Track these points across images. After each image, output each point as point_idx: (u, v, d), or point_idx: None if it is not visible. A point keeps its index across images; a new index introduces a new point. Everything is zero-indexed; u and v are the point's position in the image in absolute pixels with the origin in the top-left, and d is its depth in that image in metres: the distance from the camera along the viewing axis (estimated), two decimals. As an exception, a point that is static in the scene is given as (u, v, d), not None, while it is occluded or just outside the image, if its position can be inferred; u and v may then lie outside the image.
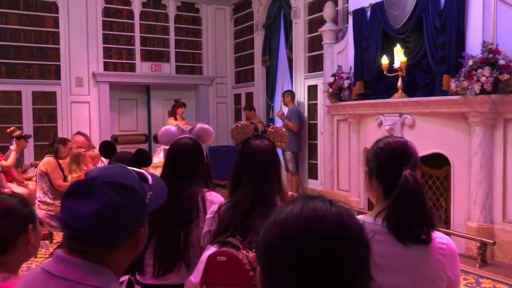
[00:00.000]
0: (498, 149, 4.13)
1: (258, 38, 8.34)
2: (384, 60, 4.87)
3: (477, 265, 3.99)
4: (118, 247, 0.98)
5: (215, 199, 2.01)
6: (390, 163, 1.42)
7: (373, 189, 1.50)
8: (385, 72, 4.90)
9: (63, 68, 7.72)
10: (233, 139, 1.88)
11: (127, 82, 8.44)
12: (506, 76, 3.87)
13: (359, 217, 1.49)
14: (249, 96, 8.73)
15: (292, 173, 7.09)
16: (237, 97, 9.17)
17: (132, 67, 8.39)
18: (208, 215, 1.86)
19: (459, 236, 4.31)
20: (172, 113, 7.41)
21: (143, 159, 2.11)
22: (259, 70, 8.39)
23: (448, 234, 4.39)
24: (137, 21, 8.36)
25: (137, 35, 8.36)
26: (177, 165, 2.05)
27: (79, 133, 5.27)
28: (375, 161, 1.47)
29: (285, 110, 7.03)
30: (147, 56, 8.50)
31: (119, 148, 8.81)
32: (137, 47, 8.38)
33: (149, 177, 1.05)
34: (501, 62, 3.91)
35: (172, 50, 8.72)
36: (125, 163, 2.22)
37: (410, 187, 1.32)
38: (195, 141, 2.09)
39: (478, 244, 4.02)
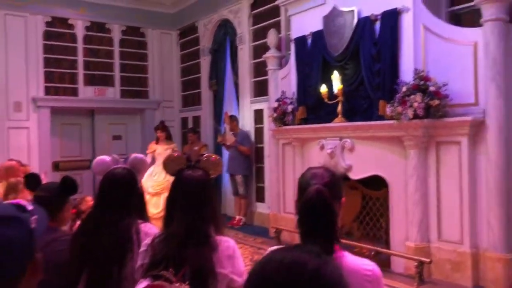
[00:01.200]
0: (432, 171, 4.35)
1: (205, 62, 8.40)
2: (323, 88, 5.06)
3: (415, 284, 4.13)
4: (18, 277, 0.97)
5: (149, 230, 1.98)
6: (306, 180, 1.54)
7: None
8: (325, 100, 5.06)
9: (0, 92, 7.41)
10: (166, 171, 1.87)
11: (70, 107, 8.21)
12: (436, 102, 4.10)
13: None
14: (197, 119, 8.73)
15: (241, 197, 7.11)
16: (184, 121, 9.14)
17: (74, 92, 8.19)
18: (142, 248, 1.83)
19: (398, 256, 4.47)
20: (156, 137, 7.11)
21: (69, 187, 2.06)
22: (206, 94, 8.43)
23: (388, 254, 4.56)
24: (80, 44, 8.22)
25: (80, 59, 8.20)
26: (110, 196, 2.01)
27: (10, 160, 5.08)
28: (299, 188, 1.56)
29: (229, 133, 7.10)
30: (90, 80, 8.34)
31: (61, 174, 8.40)
32: (80, 71, 8.22)
33: (26, 204, 1.05)
34: (432, 88, 4.14)
35: (117, 74, 8.61)
36: (51, 193, 2.17)
37: (309, 198, 1.40)
38: (129, 171, 2.07)
39: (416, 263, 4.17)
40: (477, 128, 4.07)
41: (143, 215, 2.08)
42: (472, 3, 4.27)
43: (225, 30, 7.85)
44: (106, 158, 2.13)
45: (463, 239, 4.14)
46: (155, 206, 6.21)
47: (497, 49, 3.92)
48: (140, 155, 2.15)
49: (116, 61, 8.60)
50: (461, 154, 4.14)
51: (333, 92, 5.00)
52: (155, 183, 6.41)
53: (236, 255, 1.81)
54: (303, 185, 1.54)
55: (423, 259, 4.18)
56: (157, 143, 6.91)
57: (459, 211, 4.16)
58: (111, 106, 8.60)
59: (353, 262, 1.48)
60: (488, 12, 3.97)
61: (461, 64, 4.17)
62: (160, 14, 9.02)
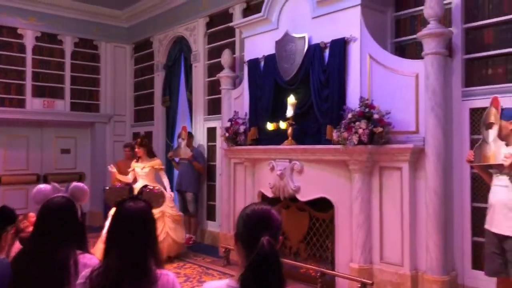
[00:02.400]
0: (375, 194, 4.51)
1: (159, 78, 8.36)
2: (270, 126, 5.25)
3: (358, 305, 4.26)
4: None
5: (88, 261, 1.96)
6: (252, 229, 1.54)
7: (239, 252, 1.59)
8: (277, 127, 5.18)
9: None
10: (107, 201, 1.87)
11: (16, 119, 7.92)
12: (380, 129, 4.28)
13: (225, 280, 1.57)
14: (149, 135, 8.62)
15: (191, 215, 7.07)
16: (136, 136, 8.97)
17: (21, 103, 7.92)
18: (79, 280, 1.80)
19: (342, 277, 4.58)
20: (135, 154, 6.44)
21: (7, 216, 2.01)
22: (159, 109, 8.37)
23: (333, 275, 4.67)
24: (29, 55, 7.98)
25: (28, 70, 7.96)
26: (48, 226, 1.98)
27: None
28: (241, 227, 1.58)
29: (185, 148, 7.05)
30: (39, 92, 8.09)
31: (4, 189, 8.01)
32: (28, 82, 7.97)
33: None
34: (376, 116, 4.32)
35: (68, 86, 8.41)
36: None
37: (264, 253, 1.43)
38: (68, 200, 2.04)
39: (359, 285, 4.30)
40: (417, 155, 4.27)
41: (82, 246, 2.05)
42: (415, 36, 4.51)
43: (180, 47, 7.86)
44: (46, 187, 2.09)
45: (404, 261, 4.31)
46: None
47: (436, 81, 4.15)
48: (81, 184, 2.12)
49: (67, 73, 8.40)
50: (402, 179, 4.33)
51: (285, 114, 5.10)
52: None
53: None
54: (249, 229, 1.55)
55: (365, 280, 4.31)
56: (137, 160, 6.29)
57: (400, 234, 4.33)
58: (60, 119, 8.37)
59: None
60: (429, 46, 4.20)
61: (404, 93, 4.38)
62: (115, 27, 8.93)
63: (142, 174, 6.16)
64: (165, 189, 6.10)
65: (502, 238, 3.33)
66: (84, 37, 8.59)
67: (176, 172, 7.54)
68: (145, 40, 8.70)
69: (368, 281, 4.31)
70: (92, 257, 2.04)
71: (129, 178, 6.25)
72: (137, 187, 5.72)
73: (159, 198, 1.95)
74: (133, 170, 6.28)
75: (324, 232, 4.99)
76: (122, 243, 1.75)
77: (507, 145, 3.37)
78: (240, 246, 1.57)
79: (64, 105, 8.38)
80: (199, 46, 7.39)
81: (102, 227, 7.92)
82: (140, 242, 1.77)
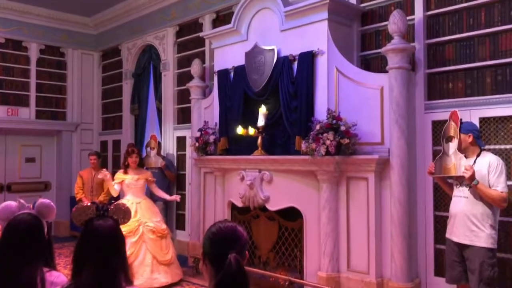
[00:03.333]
0: (342, 203, 4.62)
1: (127, 86, 8.29)
2: (240, 130, 5.25)
3: (326, 313, 4.33)
4: None
5: (55, 279, 1.95)
6: (219, 247, 1.58)
7: (207, 271, 1.62)
8: (247, 133, 5.21)
9: None
10: (74, 221, 1.86)
11: (-22, 127, 7.71)
12: (347, 141, 4.39)
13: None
14: (117, 143, 8.54)
15: (160, 224, 7.01)
16: (104, 144, 8.89)
17: (-16, 111, 7.70)
18: None
19: (310, 286, 4.65)
20: (124, 163, 5.81)
21: None
22: (127, 118, 8.29)
23: (301, 284, 4.74)
24: (-7, 62, 7.78)
25: (-8, 77, 7.76)
26: (13, 244, 1.95)
27: None
28: (208, 245, 1.62)
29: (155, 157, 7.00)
30: (3, 100, 7.91)
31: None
32: (-8, 90, 7.76)
33: None
34: (342, 128, 4.43)
35: (33, 94, 8.24)
36: None
37: (232, 270, 1.47)
38: (34, 217, 2.03)
39: (328, 293, 4.38)
40: (383, 166, 4.40)
41: (49, 263, 2.03)
42: (379, 50, 4.65)
43: (149, 55, 7.83)
44: (12, 203, 2.07)
45: (369, 269, 4.42)
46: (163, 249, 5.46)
47: (400, 94, 4.30)
48: (47, 201, 2.11)
49: (33, 81, 8.23)
50: (368, 189, 4.45)
51: (254, 125, 5.16)
52: (152, 226, 5.45)
53: None
54: (215, 247, 1.59)
55: (333, 289, 4.40)
56: (125, 172, 5.70)
57: (366, 242, 4.44)
58: (25, 127, 8.18)
59: None
60: (393, 60, 4.35)
61: (369, 106, 4.52)
62: (83, 34, 8.81)
63: (136, 186, 5.66)
64: (165, 199, 6.06)
65: (462, 247, 3.47)
66: (50, 44, 8.44)
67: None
68: (113, 48, 8.62)
69: (336, 290, 4.40)
70: (60, 275, 2.02)
71: (116, 190, 5.67)
72: (129, 200, 5.43)
73: (125, 214, 1.95)
74: (120, 182, 5.64)
75: (293, 241, 5.06)
76: (94, 262, 1.75)
77: (466, 157, 3.52)
78: (208, 265, 1.60)
79: (29, 113, 8.20)
80: (168, 55, 7.38)
81: (69, 238, 7.80)
82: (111, 259, 1.77)
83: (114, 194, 5.73)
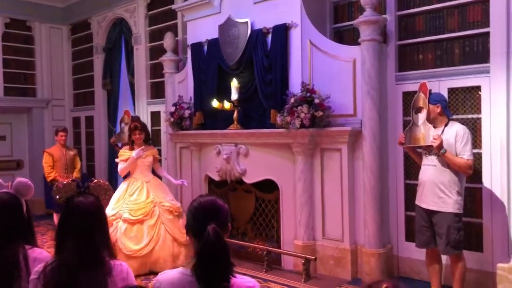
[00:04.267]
0: (317, 174, 4.74)
1: (98, 61, 8.12)
2: (215, 103, 5.26)
3: (302, 280, 4.50)
4: None
5: (39, 256, 1.98)
6: (200, 220, 1.64)
7: (192, 243, 1.69)
8: (222, 107, 5.23)
9: None
10: (55, 200, 1.88)
11: None
12: (321, 113, 4.47)
13: (178, 269, 1.66)
14: (89, 119, 8.42)
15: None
16: (77, 121, 8.76)
17: (-51, 88, 7.44)
18: (32, 276, 1.83)
19: (287, 254, 4.81)
20: (129, 139, 5.23)
21: None
22: (99, 93, 8.16)
23: (279, 253, 4.88)
24: (-45, 37, 7.48)
25: (-45, 53, 7.47)
26: None
27: None
28: (190, 219, 1.68)
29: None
30: (-32, 77, 7.64)
31: None
32: (-44, 66, 7.48)
33: None
34: (316, 101, 4.50)
35: (0, 70, 7.97)
36: None
37: (211, 240, 1.53)
38: (12, 196, 2.04)
39: (303, 261, 4.54)
40: (355, 137, 4.52)
41: (31, 240, 2.06)
42: (352, 22, 4.70)
43: (120, 29, 7.66)
44: (-11, 183, 2.07)
45: (344, 237, 4.59)
46: (136, 239, 4.65)
47: (372, 66, 4.38)
48: (25, 179, 2.13)
49: (-1, 56, 7.97)
50: (341, 160, 4.57)
51: (230, 98, 5.18)
52: (135, 206, 4.77)
53: (130, 277, 1.89)
54: (196, 219, 1.65)
55: (309, 256, 4.55)
56: (132, 148, 5.12)
57: (340, 211, 4.60)
58: (-8, 104, 7.96)
59: (236, 280, 1.64)
60: (365, 32, 4.41)
61: (342, 78, 4.59)
62: (49, 7, 8.51)
63: (143, 164, 5.09)
64: (170, 181, 5.45)
65: (430, 213, 3.64)
66: (16, 17, 8.14)
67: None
68: (83, 21, 8.39)
69: (311, 257, 4.56)
70: (42, 251, 2.06)
71: (125, 164, 5.05)
72: (138, 179, 4.95)
73: (106, 191, 1.98)
74: (126, 160, 5.06)
75: (270, 212, 5.18)
76: (76, 237, 1.79)
77: (435, 127, 3.66)
78: (191, 237, 1.67)
79: (-3, 90, 7.97)
80: (140, 28, 7.24)
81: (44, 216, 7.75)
82: (93, 235, 1.82)
83: (122, 174, 5.21)
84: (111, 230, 4.44)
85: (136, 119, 5.65)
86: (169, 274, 1.67)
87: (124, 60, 7.70)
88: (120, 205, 4.80)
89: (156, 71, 7.06)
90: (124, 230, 4.65)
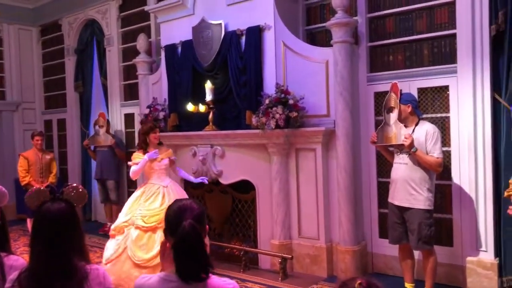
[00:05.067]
0: (292, 174, 4.80)
1: (70, 62, 7.99)
2: (190, 107, 5.29)
3: (280, 279, 4.55)
4: None
5: (14, 263, 1.96)
6: (176, 218, 1.67)
7: (171, 244, 1.71)
8: (197, 110, 5.24)
9: None
10: (28, 205, 1.86)
11: None
12: (295, 114, 4.54)
13: (159, 274, 1.68)
14: (62, 122, 8.28)
15: (114, 203, 6.98)
16: (48, 124, 8.59)
17: None
18: (7, 284, 1.79)
19: (264, 253, 4.86)
20: (142, 143, 4.66)
21: None
22: (72, 95, 8.02)
23: (255, 253, 4.93)
24: None
25: None
26: None
27: None
28: (167, 220, 1.71)
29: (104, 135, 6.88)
30: None
31: None
32: None
33: None
34: (291, 101, 4.56)
35: (-33, 72, 7.77)
36: None
37: (185, 233, 1.57)
38: None
39: (279, 260, 4.59)
40: (329, 137, 4.60)
41: (6, 247, 2.03)
42: (324, 24, 4.78)
43: (92, 30, 7.57)
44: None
45: (319, 235, 4.67)
46: (147, 248, 4.22)
47: (344, 67, 4.47)
48: None
49: (-35, 58, 7.76)
50: (316, 159, 4.65)
51: (204, 100, 5.19)
52: (149, 212, 4.32)
53: (107, 281, 1.88)
54: (173, 219, 1.68)
55: (285, 255, 4.62)
56: (145, 151, 4.61)
57: (315, 210, 4.67)
58: (-40, 108, 7.75)
59: (217, 281, 1.67)
60: (337, 34, 4.50)
61: (315, 79, 4.67)
62: (18, 8, 8.32)
63: (160, 167, 4.59)
64: (191, 181, 4.99)
65: (402, 210, 3.75)
66: (-17, 18, 7.94)
67: (91, 161, 7.40)
68: (53, 23, 8.23)
69: (288, 256, 4.62)
70: (18, 258, 2.03)
71: (138, 166, 4.56)
72: (155, 185, 4.49)
73: (81, 197, 1.96)
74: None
75: (246, 213, 5.22)
76: (45, 244, 1.74)
77: (406, 126, 3.76)
78: (170, 239, 1.69)
79: (-37, 93, 7.76)
80: (112, 29, 7.17)
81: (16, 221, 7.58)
82: (64, 242, 1.76)
83: (134, 178, 4.67)
84: (121, 236, 4.32)
85: (145, 121, 4.99)
86: (149, 279, 1.69)
87: (96, 62, 7.61)
88: (134, 211, 4.40)
89: (129, 72, 7.01)
90: (135, 237, 4.25)
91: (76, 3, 7.67)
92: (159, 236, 4.17)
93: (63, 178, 8.01)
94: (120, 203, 7.01)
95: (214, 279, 1.64)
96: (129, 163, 4.69)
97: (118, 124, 7.18)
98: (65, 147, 8.21)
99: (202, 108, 5.21)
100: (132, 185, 7.02)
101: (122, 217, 4.44)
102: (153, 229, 4.25)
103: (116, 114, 7.21)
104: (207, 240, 1.86)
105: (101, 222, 7.48)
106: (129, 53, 6.96)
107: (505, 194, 3.32)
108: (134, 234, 4.27)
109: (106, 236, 6.61)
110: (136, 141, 6.74)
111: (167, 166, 4.66)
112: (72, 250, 1.79)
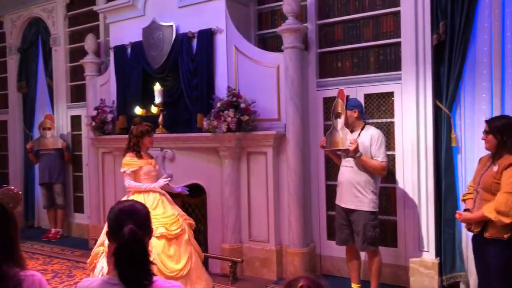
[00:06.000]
0: (243, 178, 4.81)
1: (13, 62, 7.64)
2: (138, 110, 5.19)
3: (230, 282, 4.54)
4: None
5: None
6: (118, 222, 1.64)
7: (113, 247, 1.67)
8: (146, 113, 5.15)
9: None
10: None
11: None
12: (246, 117, 4.56)
13: (102, 277, 1.63)
14: (3, 124, 7.89)
15: (59, 207, 6.74)
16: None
17: None
18: None
19: (214, 258, 4.83)
20: (134, 145, 4.13)
21: None
22: (14, 96, 7.67)
23: (206, 257, 4.88)
24: None
25: None
26: None
27: None
28: (109, 223, 1.67)
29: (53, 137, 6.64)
30: None
31: None
32: None
33: None
34: (242, 105, 4.58)
35: None
36: None
37: (126, 239, 1.53)
38: None
39: (230, 264, 4.58)
40: (280, 140, 4.65)
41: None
42: (275, 29, 4.84)
43: (37, 29, 7.28)
44: None
45: (269, 238, 4.70)
46: (176, 257, 3.87)
47: (295, 73, 4.54)
48: None
49: None
50: (267, 163, 4.68)
51: (154, 103, 5.11)
52: (167, 220, 3.94)
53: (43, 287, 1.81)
54: (114, 223, 1.64)
55: (235, 259, 4.61)
56: (138, 155, 4.13)
57: (266, 213, 4.70)
58: None
59: (163, 283, 1.64)
60: (288, 40, 4.57)
61: (267, 84, 4.71)
62: (-45, 3, 7.87)
63: (155, 174, 4.19)
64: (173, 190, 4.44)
65: (348, 212, 3.84)
66: None
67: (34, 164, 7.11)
68: (-6, 20, 7.85)
69: (238, 259, 4.62)
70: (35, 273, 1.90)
71: (142, 186, 4.10)
72: (150, 194, 4.04)
73: (15, 198, 1.87)
74: (136, 171, 4.10)
75: (196, 217, 5.15)
76: None
77: (352, 130, 3.87)
78: (112, 242, 1.65)
79: None
80: (59, 29, 6.93)
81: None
82: None
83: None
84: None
85: (138, 121, 4.33)
86: (92, 282, 1.64)
87: (41, 62, 7.32)
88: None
89: (76, 73, 6.80)
90: (162, 247, 3.82)
91: (20, 0, 7.35)
92: (184, 243, 3.95)
93: (4, 183, 7.61)
94: (66, 208, 6.79)
95: (158, 281, 1.62)
96: (122, 169, 4.14)
97: (64, 126, 6.93)
98: (6, 150, 7.83)
99: (154, 109, 5.11)
100: (78, 190, 6.81)
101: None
102: (177, 237, 3.94)
103: (62, 116, 6.96)
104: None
105: (44, 228, 7.18)
106: (76, 54, 6.76)
107: (461, 198, 3.47)
108: (160, 244, 3.86)
109: (49, 242, 6.41)
110: (83, 143, 6.60)
111: (159, 172, 4.32)
112: (7, 256, 1.70)
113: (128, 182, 4.08)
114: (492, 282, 2.95)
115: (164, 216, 3.96)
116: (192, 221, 4.28)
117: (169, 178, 4.10)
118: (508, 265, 2.83)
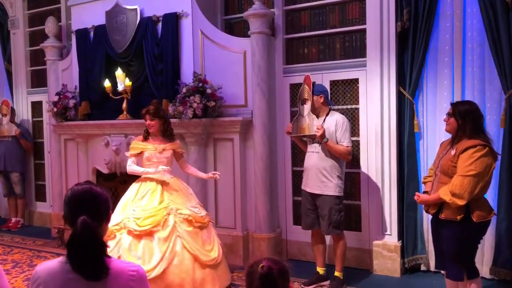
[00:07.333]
0: (210, 164, 4.78)
1: (-33, 45, 7.29)
2: (107, 83, 5.01)
3: (196, 269, 4.52)
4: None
5: None
6: (72, 210, 1.59)
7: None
8: (110, 95, 5.03)
9: None
10: None
11: None
12: (213, 103, 4.51)
13: (59, 258, 1.59)
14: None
15: (18, 197, 6.53)
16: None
17: None
18: None
19: (181, 244, 4.80)
20: (145, 131, 4.02)
21: None
22: (-30, 81, 7.35)
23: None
24: None
25: None
26: None
27: None
28: (65, 209, 1.62)
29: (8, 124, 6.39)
30: None
31: None
32: None
33: None
34: (209, 91, 4.53)
35: None
36: None
37: (78, 232, 1.49)
38: None
39: (196, 250, 4.56)
40: (246, 127, 4.64)
41: None
42: (242, 15, 4.80)
43: (-6, 11, 6.97)
44: None
45: (236, 224, 4.70)
46: (143, 259, 3.51)
47: (261, 58, 4.52)
48: None
49: None
50: (234, 149, 4.67)
51: (117, 88, 4.99)
52: (143, 213, 3.67)
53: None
54: (67, 211, 1.60)
55: (202, 245, 4.58)
56: (146, 138, 4.00)
57: (232, 199, 4.70)
58: None
59: (120, 264, 1.61)
60: (254, 25, 4.54)
61: (233, 69, 4.68)
62: None
63: (159, 160, 3.93)
64: (201, 177, 4.24)
65: (314, 196, 3.88)
66: None
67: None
68: None
69: (205, 246, 4.59)
70: None
71: (139, 170, 3.94)
72: (159, 177, 3.86)
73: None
74: (140, 154, 3.95)
75: (162, 204, 5.10)
76: None
77: (318, 116, 3.90)
78: (69, 228, 1.61)
79: None
80: (17, 11, 6.66)
81: None
82: None
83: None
84: (113, 243, 3.61)
85: (154, 102, 4.04)
86: (47, 264, 1.59)
87: (-1, 46, 7.03)
88: (127, 212, 3.75)
89: (37, 58, 6.57)
90: (128, 246, 3.58)
91: (-26, -20, 7.01)
92: (157, 241, 3.61)
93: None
94: (25, 197, 6.59)
95: (115, 261, 1.58)
96: (126, 153, 4.06)
97: (24, 112, 6.70)
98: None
99: (119, 83, 4.92)
100: (40, 178, 6.62)
101: (115, 217, 3.74)
102: (149, 234, 3.61)
103: (22, 102, 6.72)
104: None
105: (4, 218, 6.95)
106: (36, 37, 6.52)
107: (422, 180, 3.55)
108: (127, 241, 3.62)
109: (10, 232, 6.22)
110: (44, 130, 6.41)
111: (169, 159, 3.99)
112: None
113: (128, 166, 3.96)
114: (445, 263, 3.04)
115: (144, 208, 3.72)
116: (194, 217, 3.82)
117: (167, 167, 3.90)
118: (460, 245, 2.92)
